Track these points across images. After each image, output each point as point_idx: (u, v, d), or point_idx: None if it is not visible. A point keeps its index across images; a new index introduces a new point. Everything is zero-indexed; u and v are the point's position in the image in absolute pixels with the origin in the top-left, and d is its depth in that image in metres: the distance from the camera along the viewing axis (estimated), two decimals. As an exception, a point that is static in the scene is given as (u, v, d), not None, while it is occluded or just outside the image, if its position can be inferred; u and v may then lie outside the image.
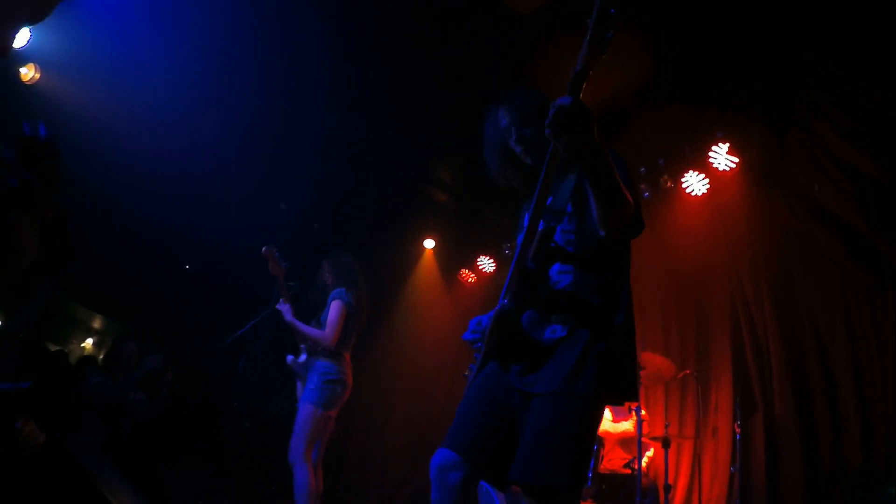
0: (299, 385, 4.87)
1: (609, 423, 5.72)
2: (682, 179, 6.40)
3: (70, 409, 5.38)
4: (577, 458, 1.99)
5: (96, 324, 11.53)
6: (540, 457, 1.97)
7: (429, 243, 8.76)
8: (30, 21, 1.49)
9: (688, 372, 5.63)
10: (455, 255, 8.75)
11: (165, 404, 6.10)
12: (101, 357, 9.81)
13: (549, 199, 2.23)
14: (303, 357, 4.83)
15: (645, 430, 5.68)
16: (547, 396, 2.03)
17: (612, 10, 1.97)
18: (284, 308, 4.76)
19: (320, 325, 4.84)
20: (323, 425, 4.64)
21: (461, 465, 2.12)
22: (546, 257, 2.20)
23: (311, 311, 4.96)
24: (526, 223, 2.20)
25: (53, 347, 7.99)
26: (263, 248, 4.80)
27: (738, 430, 5.14)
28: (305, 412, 4.55)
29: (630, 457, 5.24)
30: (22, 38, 5.66)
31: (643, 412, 5.79)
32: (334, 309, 4.73)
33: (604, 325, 2.10)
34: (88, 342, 11.56)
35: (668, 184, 6.54)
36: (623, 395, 2.16)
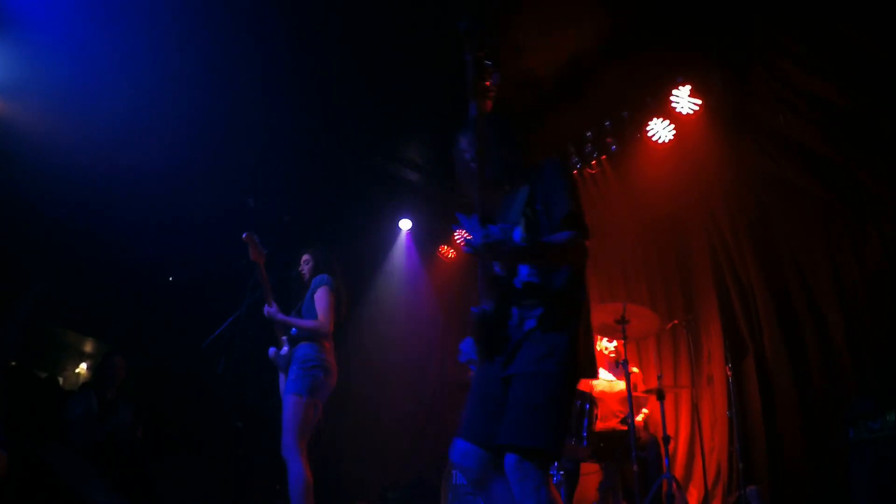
0: (282, 378, 4.79)
1: (607, 382, 5.67)
2: (647, 127, 6.31)
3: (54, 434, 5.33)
4: (547, 424, 2.34)
5: (88, 347, 11.43)
6: (518, 423, 2.33)
7: (405, 224, 8.66)
8: None
9: (676, 322, 5.58)
10: (433, 233, 8.68)
11: (149, 413, 6.06)
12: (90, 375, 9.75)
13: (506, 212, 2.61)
14: (284, 349, 4.73)
15: (640, 386, 5.64)
16: (520, 376, 2.40)
17: (489, 62, 2.32)
18: (272, 310, 4.66)
19: (301, 316, 4.76)
20: (311, 413, 4.56)
21: (473, 449, 2.50)
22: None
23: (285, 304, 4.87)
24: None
25: (43, 375, 7.91)
26: (244, 234, 4.68)
27: (729, 374, 5.08)
28: (291, 403, 4.47)
29: (625, 413, 5.18)
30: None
31: (636, 370, 5.76)
32: (322, 295, 4.66)
33: (567, 317, 2.48)
34: (83, 367, 11.46)
35: (635, 134, 6.46)
36: (584, 372, 2.52)
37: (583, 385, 5.69)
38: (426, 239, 8.75)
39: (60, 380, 9.56)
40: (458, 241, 8.53)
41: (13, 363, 6.48)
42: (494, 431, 2.39)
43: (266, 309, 4.68)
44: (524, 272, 2.58)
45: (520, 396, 2.36)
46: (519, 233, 2.41)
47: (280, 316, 4.64)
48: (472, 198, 2.56)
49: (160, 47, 5.75)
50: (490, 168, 2.59)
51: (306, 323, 4.63)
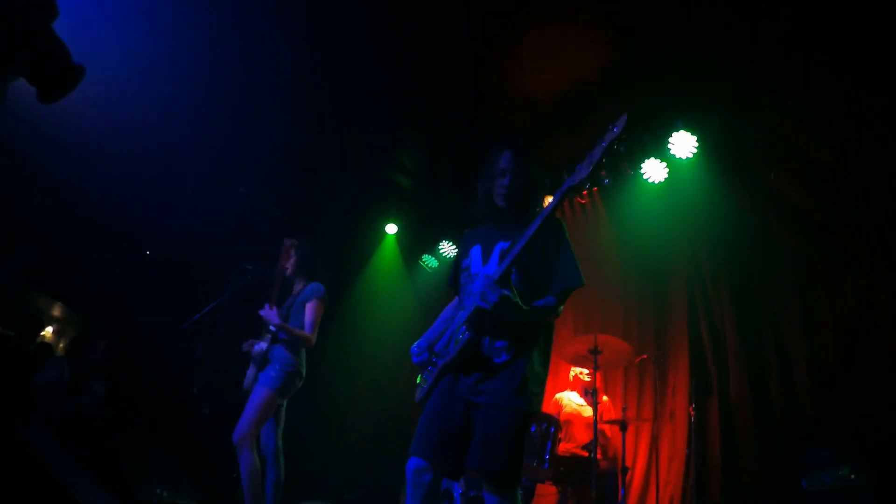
0: (251, 371, 4.81)
1: (577, 406, 5.79)
2: (642, 165, 6.44)
3: (22, 398, 5.31)
4: (516, 453, 2.65)
5: (56, 312, 11.32)
6: (492, 450, 2.60)
7: (391, 228, 8.72)
8: None
9: (645, 356, 5.70)
10: (417, 240, 8.73)
11: (119, 391, 6.04)
12: (62, 345, 9.66)
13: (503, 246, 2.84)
14: (264, 345, 4.76)
15: (607, 415, 5.76)
16: (494, 407, 2.65)
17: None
18: (271, 313, 4.68)
19: (289, 313, 4.80)
20: (272, 411, 4.63)
21: (429, 469, 2.69)
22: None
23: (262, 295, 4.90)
24: (477, 257, 2.92)
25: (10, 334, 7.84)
26: (286, 241, 4.87)
27: (692, 413, 5.21)
28: (262, 396, 4.52)
29: (589, 439, 5.30)
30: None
31: (605, 398, 5.88)
32: (313, 308, 4.73)
33: (535, 354, 2.76)
34: (48, 330, 11.33)
35: (629, 171, 6.58)
36: (539, 407, 2.82)
37: (551, 408, 5.83)
38: (410, 245, 8.79)
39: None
40: (441, 252, 8.57)
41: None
42: (448, 453, 2.68)
43: (266, 311, 4.69)
44: None
45: (494, 426, 2.63)
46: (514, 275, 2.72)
47: (276, 320, 4.64)
48: (479, 197, 3.00)
49: (167, 20, 5.72)
50: (511, 195, 2.90)
51: (300, 333, 4.67)
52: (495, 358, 2.71)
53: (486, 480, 2.64)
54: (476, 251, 2.96)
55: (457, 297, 3.12)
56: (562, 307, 2.81)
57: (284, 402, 4.75)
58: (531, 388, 2.70)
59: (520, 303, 2.60)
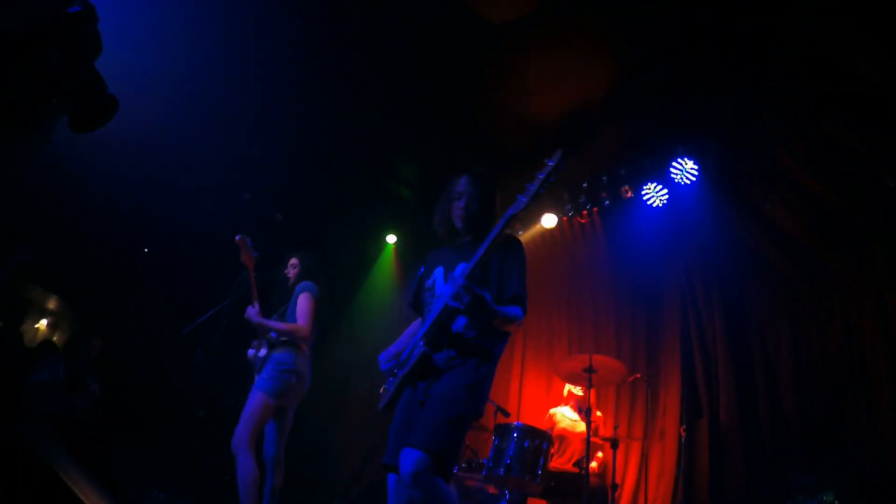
0: (257, 379, 4.86)
1: (570, 421, 5.87)
2: (643, 189, 6.55)
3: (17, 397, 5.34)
4: (446, 437, 2.67)
5: (51, 304, 11.30)
6: (420, 431, 2.67)
7: (391, 238, 8.79)
8: None
9: (638, 376, 5.78)
10: (417, 251, 8.80)
11: (114, 390, 6.05)
12: (56, 339, 9.66)
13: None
14: (263, 351, 4.79)
15: (600, 431, 5.85)
16: (436, 397, 2.76)
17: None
18: (252, 311, 4.72)
19: (283, 319, 4.84)
20: (271, 415, 4.61)
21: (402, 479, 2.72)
22: (452, 313, 2.89)
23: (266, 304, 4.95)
24: (440, 278, 3.06)
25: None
26: (237, 237, 4.76)
27: (682, 434, 5.30)
28: (255, 400, 4.51)
29: (581, 455, 5.37)
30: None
31: (598, 413, 5.96)
32: (304, 301, 4.72)
33: (482, 362, 2.87)
34: (42, 323, 11.32)
35: (629, 194, 6.69)
36: (482, 405, 2.91)
37: (546, 423, 5.91)
38: (410, 256, 8.86)
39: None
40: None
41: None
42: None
43: (249, 309, 4.76)
44: (462, 321, 2.92)
45: (437, 408, 2.72)
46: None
47: (257, 318, 4.69)
48: (436, 219, 3.22)
49: (174, 26, 5.78)
50: (468, 217, 3.08)
51: (282, 325, 4.67)
52: (445, 365, 2.85)
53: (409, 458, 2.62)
54: (439, 272, 3.10)
55: (418, 319, 3.29)
56: (523, 317, 2.90)
57: (290, 410, 4.76)
58: (478, 388, 2.82)
59: (492, 303, 2.71)
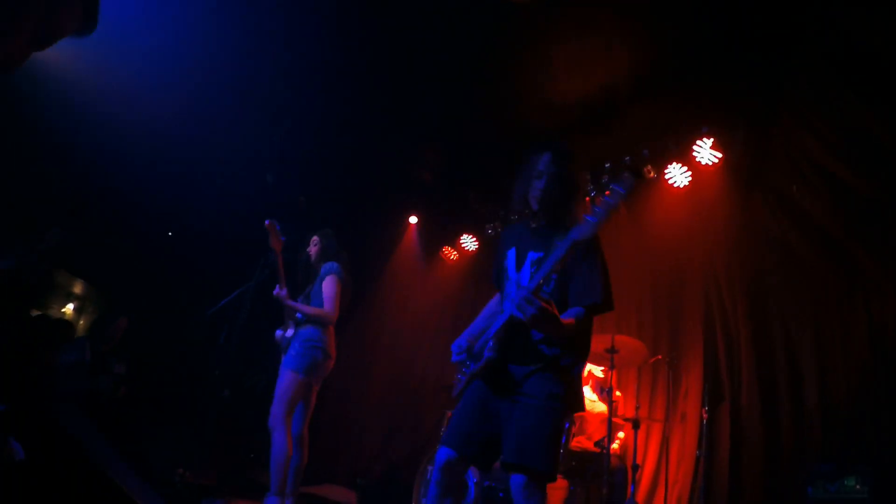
0: (284, 359, 4.94)
1: (590, 402, 5.89)
2: (666, 171, 6.50)
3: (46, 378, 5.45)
4: (553, 451, 2.69)
5: (77, 289, 11.49)
6: (529, 447, 2.64)
7: (413, 219, 8.83)
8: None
9: (659, 357, 5.78)
10: (438, 233, 8.83)
11: (139, 370, 6.16)
12: (82, 323, 9.82)
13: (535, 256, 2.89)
14: (290, 332, 4.89)
15: (621, 410, 5.85)
16: (531, 406, 2.69)
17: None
18: (283, 293, 4.81)
19: (308, 299, 4.92)
20: (303, 392, 4.72)
21: (459, 461, 2.81)
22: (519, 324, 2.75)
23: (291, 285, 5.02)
24: (512, 260, 2.96)
25: (35, 312, 7.99)
26: (266, 221, 4.85)
27: (705, 417, 5.29)
28: (286, 378, 4.65)
29: (602, 436, 5.39)
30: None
31: (618, 394, 5.97)
32: (330, 283, 4.84)
33: (571, 364, 2.82)
34: (69, 307, 11.52)
35: (652, 174, 6.64)
36: (575, 408, 2.89)
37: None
38: (431, 238, 8.89)
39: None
40: (461, 244, 8.64)
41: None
42: (478, 444, 2.80)
43: (277, 291, 4.84)
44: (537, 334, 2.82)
45: (532, 425, 2.67)
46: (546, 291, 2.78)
47: (289, 301, 4.81)
48: (515, 199, 3.02)
49: (200, 9, 5.84)
50: (547, 199, 2.91)
51: (311, 309, 4.79)
52: (532, 364, 2.77)
53: (517, 474, 2.66)
54: (511, 254, 3.00)
55: (498, 294, 3.18)
56: (591, 323, 2.84)
57: (315, 388, 4.84)
58: (566, 392, 2.76)
59: (557, 315, 2.57)
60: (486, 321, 3.16)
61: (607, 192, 2.50)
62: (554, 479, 2.73)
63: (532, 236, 2.97)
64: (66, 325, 7.92)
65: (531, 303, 2.50)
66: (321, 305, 4.81)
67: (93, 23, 1.53)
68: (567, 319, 2.68)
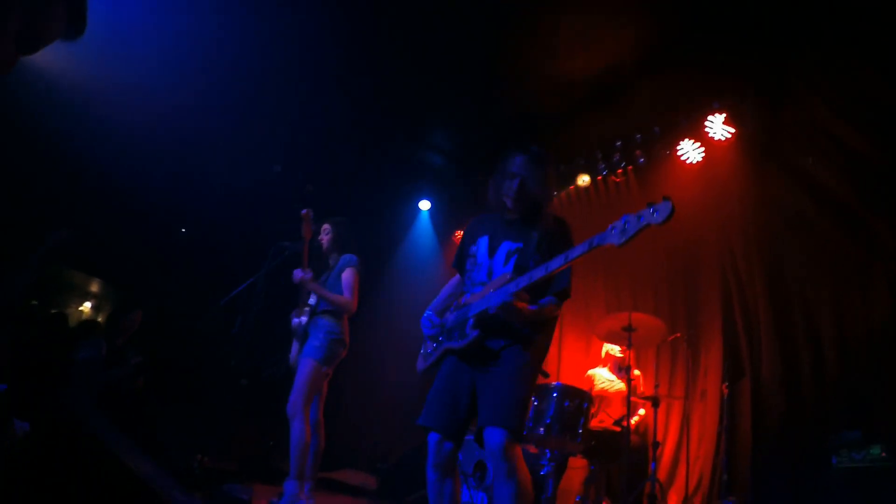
0: (296, 345, 4.94)
1: (609, 381, 5.86)
2: (678, 147, 6.44)
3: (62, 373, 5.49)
4: (525, 413, 2.91)
5: (93, 287, 11.57)
6: (507, 407, 2.83)
7: (424, 205, 8.79)
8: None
9: (678, 335, 5.73)
10: (451, 215, 8.79)
11: (155, 360, 6.19)
12: (100, 319, 9.87)
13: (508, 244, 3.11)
14: (304, 318, 4.89)
15: (639, 389, 5.81)
16: (505, 373, 2.89)
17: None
18: (306, 276, 4.81)
19: (325, 287, 4.90)
20: (321, 381, 4.75)
21: (445, 439, 2.96)
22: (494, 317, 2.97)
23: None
24: (484, 247, 3.16)
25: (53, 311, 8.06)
26: (303, 211, 4.87)
27: (725, 392, 5.24)
28: (308, 367, 4.64)
29: (621, 415, 5.36)
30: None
31: (637, 372, 5.93)
32: (349, 275, 4.83)
33: (538, 339, 3.03)
34: (86, 306, 11.61)
35: (664, 151, 6.57)
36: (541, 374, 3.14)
37: (585, 383, 5.90)
38: (443, 222, 8.85)
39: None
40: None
41: (34, 302, 6.61)
42: (457, 420, 2.96)
43: (299, 274, 4.81)
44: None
45: (510, 388, 2.87)
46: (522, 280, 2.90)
47: (313, 284, 4.79)
48: (490, 195, 3.18)
49: (200, 10, 5.87)
50: (518, 199, 3.10)
51: (337, 297, 4.76)
52: (500, 349, 2.97)
53: (491, 434, 2.82)
54: (484, 241, 3.18)
55: (457, 276, 3.40)
56: (559, 308, 3.05)
57: (329, 374, 4.85)
58: (535, 361, 3.01)
59: (529, 313, 2.85)
60: (447, 300, 3.36)
61: (644, 209, 2.46)
62: (521, 439, 2.91)
63: (507, 227, 3.17)
64: (91, 324, 7.98)
65: (508, 310, 2.78)
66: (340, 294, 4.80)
67: (81, 24, 1.50)
68: (538, 308, 2.94)
